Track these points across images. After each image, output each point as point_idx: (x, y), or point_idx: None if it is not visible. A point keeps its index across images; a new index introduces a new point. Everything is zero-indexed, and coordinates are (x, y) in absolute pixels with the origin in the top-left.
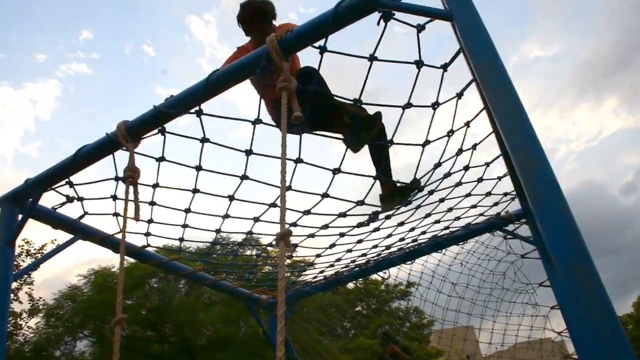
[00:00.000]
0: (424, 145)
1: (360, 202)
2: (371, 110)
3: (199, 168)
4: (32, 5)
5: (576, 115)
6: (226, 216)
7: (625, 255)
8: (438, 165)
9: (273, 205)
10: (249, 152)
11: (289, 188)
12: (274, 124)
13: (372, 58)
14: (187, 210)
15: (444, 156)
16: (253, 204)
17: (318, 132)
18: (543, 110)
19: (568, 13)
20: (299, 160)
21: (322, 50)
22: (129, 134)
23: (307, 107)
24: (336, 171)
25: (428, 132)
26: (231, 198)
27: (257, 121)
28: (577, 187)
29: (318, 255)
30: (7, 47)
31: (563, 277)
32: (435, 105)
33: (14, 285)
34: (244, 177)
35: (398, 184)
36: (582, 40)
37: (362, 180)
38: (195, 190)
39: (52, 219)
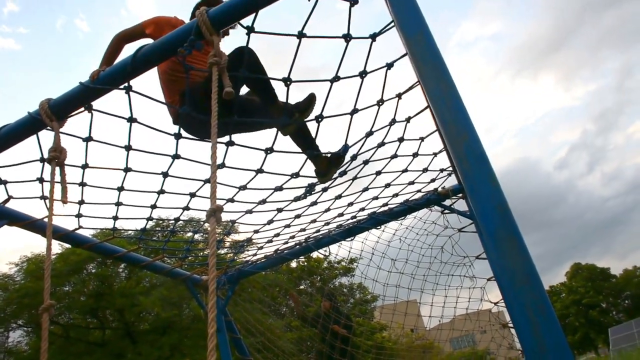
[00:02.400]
0: (352, 113)
1: (295, 175)
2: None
3: (128, 148)
4: None
5: (515, 94)
6: (161, 192)
7: (559, 229)
8: (370, 133)
9: (207, 181)
10: (178, 136)
11: (223, 165)
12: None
13: (300, 35)
14: (120, 189)
15: (377, 127)
16: (188, 181)
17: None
18: (482, 87)
19: None
20: (230, 143)
21: (250, 30)
22: (54, 113)
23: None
24: (268, 151)
25: (356, 101)
26: (165, 174)
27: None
28: (515, 163)
29: (256, 231)
30: None
31: (493, 249)
32: (363, 74)
33: None
34: (176, 157)
35: (329, 155)
36: (520, 21)
37: (296, 156)
38: (127, 169)
39: None
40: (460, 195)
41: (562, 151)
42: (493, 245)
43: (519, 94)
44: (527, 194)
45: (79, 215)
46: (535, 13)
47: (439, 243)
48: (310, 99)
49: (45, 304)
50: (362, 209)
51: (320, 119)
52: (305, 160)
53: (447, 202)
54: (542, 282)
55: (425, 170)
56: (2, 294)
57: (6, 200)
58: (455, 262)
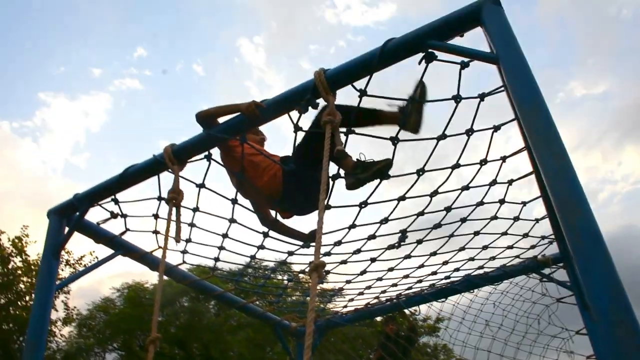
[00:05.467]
0: (453, 168)
1: (385, 220)
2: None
3: (234, 201)
4: (91, 24)
5: (622, 156)
6: (261, 247)
7: None
8: (466, 188)
9: (306, 246)
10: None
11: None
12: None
13: (412, 100)
14: (224, 236)
15: (476, 188)
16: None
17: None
18: (586, 150)
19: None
20: (327, 207)
21: (362, 94)
22: (176, 157)
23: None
24: (363, 205)
25: (460, 157)
26: (265, 235)
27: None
28: (620, 230)
29: (348, 282)
30: (67, 62)
31: (602, 331)
32: (469, 132)
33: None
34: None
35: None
36: (629, 79)
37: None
38: (232, 220)
39: (96, 233)
40: (560, 264)
41: None
42: (604, 327)
43: (628, 156)
44: (632, 264)
45: (184, 252)
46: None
47: (535, 311)
48: (387, 164)
49: (152, 336)
50: (457, 269)
51: (421, 173)
52: (395, 207)
53: (546, 271)
54: None
55: (525, 235)
56: (103, 317)
57: (123, 233)
58: (553, 333)
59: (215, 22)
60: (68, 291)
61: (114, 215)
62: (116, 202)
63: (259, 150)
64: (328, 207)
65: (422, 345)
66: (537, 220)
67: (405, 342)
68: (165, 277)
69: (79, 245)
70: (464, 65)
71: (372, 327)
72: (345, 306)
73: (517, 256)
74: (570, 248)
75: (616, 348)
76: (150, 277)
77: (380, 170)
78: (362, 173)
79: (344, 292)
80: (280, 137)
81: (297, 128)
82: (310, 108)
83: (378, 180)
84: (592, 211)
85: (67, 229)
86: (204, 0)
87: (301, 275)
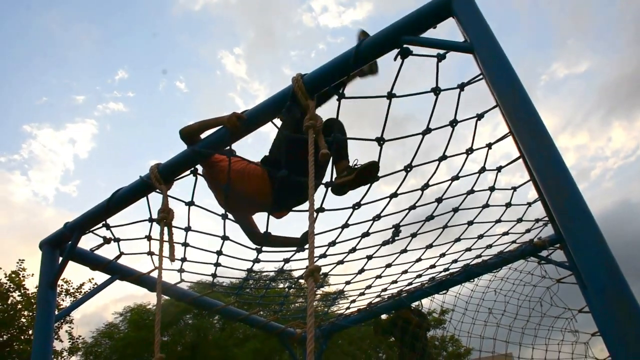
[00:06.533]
0: (440, 160)
1: (377, 217)
2: None
3: (224, 216)
4: (69, 51)
5: (611, 132)
6: (256, 260)
7: None
8: (456, 178)
9: (300, 250)
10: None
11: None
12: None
13: (390, 96)
14: (219, 253)
15: (467, 177)
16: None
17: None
18: (573, 129)
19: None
20: (320, 210)
21: (340, 96)
22: (162, 176)
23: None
24: (356, 206)
25: (446, 148)
26: (259, 251)
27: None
28: (613, 205)
29: (348, 282)
30: (49, 91)
31: (599, 305)
32: (454, 123)
33: (55, 324)
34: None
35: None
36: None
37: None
38: (224, 237)
39: (91, 260)
40: (557, 245)
41: None
42: (602, 304)
43: (616, 131)
44: (628, 239)
45: (181, 270)
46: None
47: (536, 294)
48: (372, 166)
49: (156, 357)
50: (455, 261)
51: (409, 169)
52: (387, 203)
53: (544, 253)
54: None
55: (519, 220)
56: (109, 343)
57: (118, 257)
58: (556, 314)
59: (193, 38)
60: (71, 320)
61: (107, 241)
62: (107, 227)
63: (240, 157)
64: (322, 209)
65: (430, 338)
66: (529, 204)
67: (419, 321)
68: (165, 297)
69: (78, 274)
70: (440, 58)
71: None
72: (348, 307)
73: (514, 241)
74: (561, 229)
75: (616, 323)
76: (152, 299)
77: (364, 171)
78: (347, 176)
79: (346, 294)
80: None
81: (281, 134)
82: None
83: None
84: (580, 191)
85: (60, 258)
86: (180, 16)
87: (302, 281)
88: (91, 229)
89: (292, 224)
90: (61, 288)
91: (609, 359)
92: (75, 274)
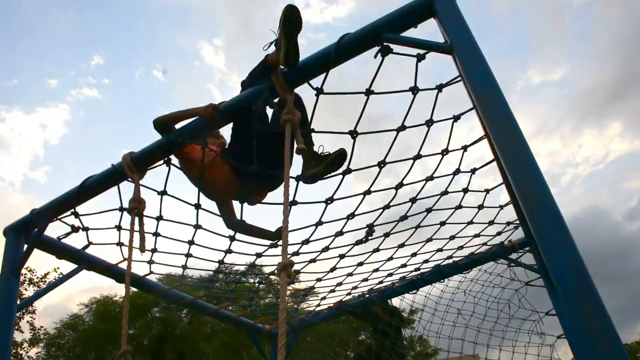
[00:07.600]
0: (414, 158)
1: (351, 216)
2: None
3: (197, 206)
4: (43, 30)
5: (582, 140)
6: (228, 251)
7: (632, 282)
8: (430, 178)
9: (274, 245)
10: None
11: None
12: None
13: (368, 92)
14: (191, 242)
15: (442, 178)
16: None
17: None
18: (546, 135)
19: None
20: (293, 203)
21: (319, 92)
22: (135, 165)
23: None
24: (329, 201)
25: (420, 148)
26: (232, 238)
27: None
28: (582, 211)
29: (319, 280)
30: (20, 73)
31: (567, 308)
32: (429, 123)
33: (16, 314)
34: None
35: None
36: (583, 65)
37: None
38: (197, 226)
39: (57, 249)
40: (527, 248)
41: (633, 200)
42: (569, 306)
43: (587, 138)
44: (595, 244)
45: (150, 262)
46: (598, 59)
47: (505, 296)
48: (340, 154)
49: (122, 350)
50: (426, 261)
51: (383, 165)
52: (361, 201)
53: (513, 256)
54: None
55: (491, 222)
56: (72, 334)
57: (86, 246)
58: (523, 316)
59: (172, 26)
60: (33, 311)
61: (75, 229)
62: (76, 215)
63: (210, 148)
64: (294, 202)
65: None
66: (501, 207)
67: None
68: (134, 289)
69: (42, 263)
70: (420, 58)
71: (347, 324)
72: (319, 305)
73: (485, 243)
74: (532, 232)
75: (582, 326)
76: (119, 290)
77: (334, 160)
78: (316, 166)
79: (316, 291)
80: None
81: (257, 127)
82: None
83: (341, 176)
84: (552, 194)
85: (25, 246)
86: (159, 4)
87: (272, 277)
88: (59, 217)
89: (267, 215)
90: (24, 277)
91: None
92: (40, 263)
